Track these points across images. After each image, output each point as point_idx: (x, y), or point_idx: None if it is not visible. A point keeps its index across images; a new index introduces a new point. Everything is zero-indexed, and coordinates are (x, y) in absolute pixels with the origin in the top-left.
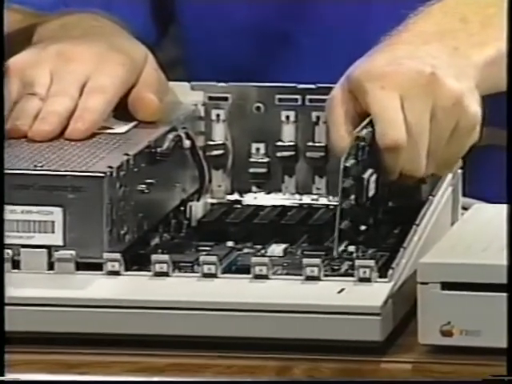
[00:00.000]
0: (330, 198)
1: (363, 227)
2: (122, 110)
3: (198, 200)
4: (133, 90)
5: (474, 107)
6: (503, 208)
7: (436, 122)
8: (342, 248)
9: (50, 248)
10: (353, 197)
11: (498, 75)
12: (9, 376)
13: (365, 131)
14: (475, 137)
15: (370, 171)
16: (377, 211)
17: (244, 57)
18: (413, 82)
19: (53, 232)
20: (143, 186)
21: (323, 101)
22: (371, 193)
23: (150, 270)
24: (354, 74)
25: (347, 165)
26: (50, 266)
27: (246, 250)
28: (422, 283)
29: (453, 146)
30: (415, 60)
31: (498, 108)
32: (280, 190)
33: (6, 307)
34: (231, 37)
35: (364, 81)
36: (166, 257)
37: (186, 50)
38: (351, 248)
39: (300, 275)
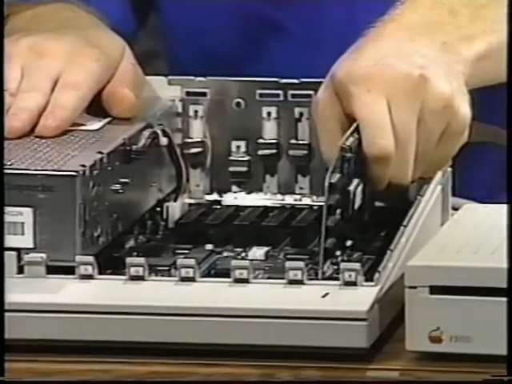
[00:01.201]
0: (314, 198)
1: (349, 243)
2: (95, 106)
3: (175, 200)
4: (108, 85)
5: (465, 109)
6: (495, 208)
7: (425, 125)
8: (326, 267)
9: (19, 251)
10: (338, 211)
11: (489, 69)
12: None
13: (351, 140)
14: (465, 138)
15: (355, 182)
16: (363, 221)
17: (229, 47)
18: (400, 85)
19: (22, 234)
20: (117, 185)
21: (306, 96)
22: (357, 204)
23: (124, 274)
24: (338, 76)
25: (333, 181)
26: (20, 270)
27: (225, 253)
28: (410, 287)
29: (442, 149)
30: (402, 60)
31: (490, 105)
32: (261, 190)
33: None
34: (214, 26)
35: (349, 83)
36: (141, 260)
37: (166, 42)
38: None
39: (282, 279)
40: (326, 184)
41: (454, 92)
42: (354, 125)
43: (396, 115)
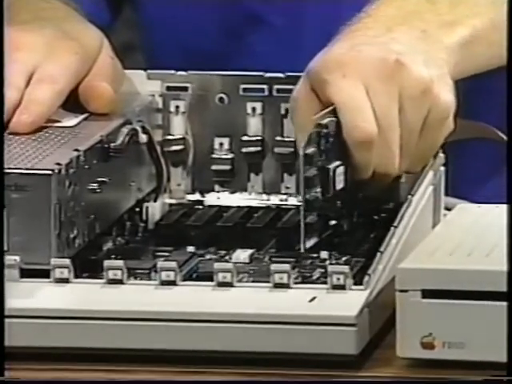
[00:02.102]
0: (301, 197)
1: (332, 222)
2: (72, 101)
3: (155, 200)
4: (85, 79)
5: (446, 95)
6: (489, 208)
7: (405, 113)
8: (310, 244)
9: None
10: (318, 189)
11: (477, 54)
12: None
13: (327, 119)
14: (449, 127)
15: (336, 163)
16: (347, 207)
17: (209, 41)
18: (376, 71)
19: None
20: (95, 184)
21: (292, 91)
22: (339, 186)
23: (102, 278)
24: (312, 68)
25: (307, 152)
26: None
27: (208, 256)
28: (401, 291)
29: (426, 139)
30: (377, 46)
31: (482, 101)
32: (246, 190)
33: None
34: (194, 20)
35: (323, 72)
36: (120, 263)
37: (143, 34)
38: (324, 254)
39: (267, 282)
40: (301, 154)
41: (433, 77)
42: (331, 107)
43: (375, 101)
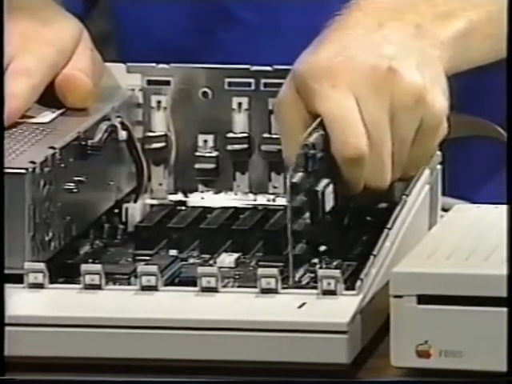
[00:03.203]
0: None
1: (323, 248)
2: (48, 96)
3: (135, 201)
4: (62, 72)
5: (440, 101)
6: (488, 209)
7: (398, 123)
8: (299, 275)
9: None
10: (307, 215)
11: (472, 48)
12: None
13: (314, 136)
14: (443, 133)
15: (324, 182)
16: (338, 222)
17: (180, 36)
18: (367, 80)
19: None
20: (71, 184)
21: (281, 85)
22: (329, 206)
23: (79, 283)
24: (299, 72)
25: (294, 181)
26: None
27: (191, 260)
28: (396, 296)
29: (418, 148)
30: (368, 50)
31: (480, 98)
32: (231, 190)
33: None
34: (164, 15)
35: (310, 80)
36: (97, 267)
37: (115, 25)
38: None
39: (254, 288)
40: (288, 184)
41: (426, 84)
42: (318, 120)
43: (366, 112)
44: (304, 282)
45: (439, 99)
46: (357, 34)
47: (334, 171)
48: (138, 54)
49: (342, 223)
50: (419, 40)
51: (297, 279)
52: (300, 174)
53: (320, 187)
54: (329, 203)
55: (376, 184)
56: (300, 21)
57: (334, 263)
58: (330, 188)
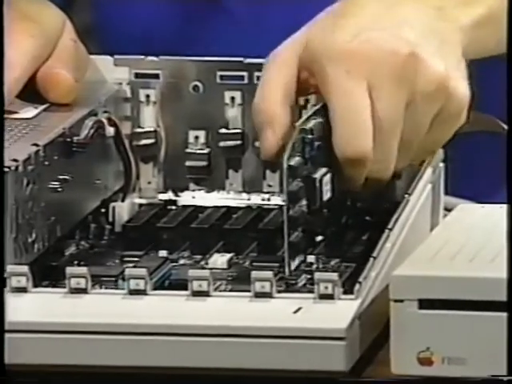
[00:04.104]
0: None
1: (320, 238)
2: (30, 90)
3: (122, 200)
4: (44, 65)
5: (462, 88)
6: (493, 209)
7: (415, 109)
8: (294, 265)
9: None
10: (303, 202)
11: (488, 37)
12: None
13: (312, 122)
14: (462, 120)
15: (322, 170)
16: (336, 216)
17: (169, 26)
18: (385, 67)
19: None
20: (56, 183)
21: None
22: (326, 196)
23: (64, 286)
24: (314, 51)
25: (292, 163)
26: None
27: (181, 261)
28: (396, 301)
29: (434, 135)
30: (388, 33)
31: (487, 93)
32: (224, 188)
33: None
34: (153, 3)
35: (326, 61)
36: (83, 270)
37: (100, 17)
38: (310, 258)
39: (248, 291)
40: (285, 166)
41: (449, 70)
42: (319, 105)
43: (378, 102)
44: (300, 285)
45: (461, 86)
46: (374, 12)
47: (333, 163)
48: (124, 45)
49: (341, 219)
50: (440, 23)
51: (292, 282)
52: (297, 159)
53: (318, 175)
54: (326, 193)
55: (377, 176)
56: (290, 14)
57: (332, 263)
58: (328, 177)
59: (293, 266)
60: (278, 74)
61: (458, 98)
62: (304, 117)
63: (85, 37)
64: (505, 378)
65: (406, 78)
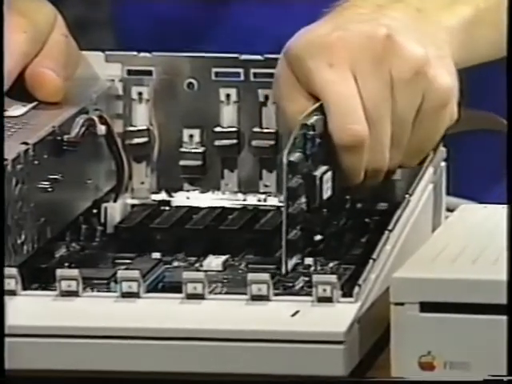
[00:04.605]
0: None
1: (318, 237)
2: (19, 86)
3: (115, 200)
4: (34, 61)
5: (444, 78)
6: (496, 209)
7: (395, 98)
8: (291, 264)
9: None
10: (303, 200)
11: (481, 38)
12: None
13: (314, 118)
14: (450, 116)
15: (323, 168)
16: (336, 217)
17: (187, 12)
18: (364, 51)
19: None
20: (46, 182)
21: (272, 75)
22: (326, 195)
23: (54, 289)
24: (293, 50)
25: (292, 159)
26: None
27: (175, 263)
28: (397, 304)
29: (421, 129)
30: (365, 23)
31: (487, 90)
32: (219, 188)
33: None
34: None
35: (306, 58)
36: (74, 272)
37: (110, 7)
38: (308, 260)
39: (244, 294)
40: (285, 161)
41: (428, 57)
42: (316, 105)
43: (364, 89)
44: (298, 288)
45: (443, 75)
46: (355, 12)
47: (334, 159)
48: (140, 31)
49: (340, 219)
50: (422, 22)
51: (290, 284)
52: (297, 154)
53: (318, 172)
54: (326, 191)
55: (374, 166)
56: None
57: (330, 265)
58: (329, 175)
59: (290, 266)
60: (286, 95)
61: (439, 89)
62: (306, 112)
63: (79, 31)
64: (505, 379)
65: (385, 61)
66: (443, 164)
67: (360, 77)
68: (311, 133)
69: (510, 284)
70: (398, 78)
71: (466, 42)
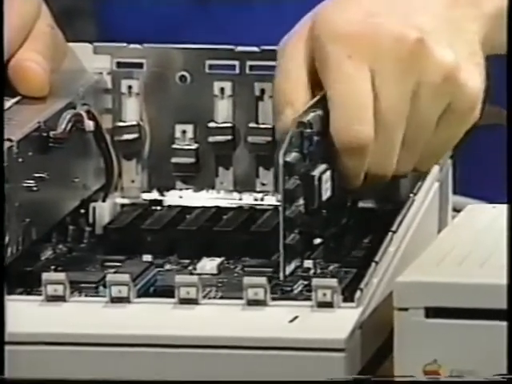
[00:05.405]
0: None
1: (318, 240)
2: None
3: (103, 200)
4: (17, 53)
5: (474, 81)
6: (505, 209)
7: (419, 103)
8: (290, 269)
9: None
10: (301, 201)
11: (502, 33)
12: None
13: (311, 115)
14: (474, 118)
15: (321, 167)
16: (336, 217)
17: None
18: (390, 52)
19: None
20: (31, 181)
21: (269, 68)
22: (326, 195)
23: (40, 294)
24: (317, 30)
25: (289, 159)
26: None
27: (168, 266)
28: (400, 309)
29: (442, 134)
30: (396, 18)
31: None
32: (213, 187)
33: None
34: None
35: (327, 42)
36: (61, 275)
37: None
38: (307, 263)
39: (240, 299)
40: (281, 162)
41: (460, 61)
42: (319, 95)
43: (381, 90)
44: (296, 292)
45: (473, 78)
46: None
47: (332, 157)
48: (127, 27)
49: (341, 221)
50: (458, 10)
51: (289, 288)
52: (294, 154)
53: (316, 172)
54: (326, 192)
55: (377, 172)
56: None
57: (331, 268)
58: (328, 175)
59: (288, 271)
60: (297, 54)
61: (470, 93)
62: (304, 107)
63: (66, 22)
64: (505, 378)
65: (412, 66)
66: (449, 161)
67: (379, 76)
68: (308, 131)
69: (510, 287)
70: (424, 82)
71: (495, 31)
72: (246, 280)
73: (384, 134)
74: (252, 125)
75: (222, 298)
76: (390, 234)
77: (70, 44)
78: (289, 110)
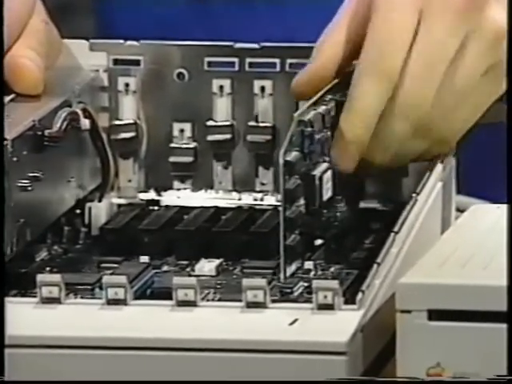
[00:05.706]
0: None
1: (319, 241)
2: None
3: (100, 200)
4: (11, 49)
5: None
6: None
7: (464, 59)
8: (290, 271)
9: None
10: (302, 201)
11: None
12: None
13: (312, 113)
14: (500, 92)
15: (322, 167)
16: (337, 219)
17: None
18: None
19: None
20: (26, 181)
21: (269, 65)
22: (327, 195)
23: (35, 296)
24: None
25: (289, 159)
26: None
27: (165, 268)
28: (403, 311)
29: (466, 107)
30: None
31: None
32: (212, 187)
33: None
34: None
35: None
36: (56, 277)
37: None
38: (308, 264)
39: (239, 301)
40: (281, 162)
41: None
42: (318, 95)
43: (425, 35)
44: (296, 294)
45: None
46: None
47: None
48: (125, 25)
49: (342, 221)
50: None
51: (289, 290)
52: (295, 154)
53: (317, 172)
54: (327, 192)
55: (375, 161)
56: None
57: (332, 269)
58: (329, 175)
59: (289, 273)
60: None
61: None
62: (303, 107)
63: (61, 18)
64: (505, 378)
65: (467, 15)
66: (453, 160)
67: (427, 20)
68: (309, 129)
69: (510, 289)
70: (475, 36)
71: None
72: (245, 282)
73: (414, 80)
74: (251, 123)
75: (220, 300)
76: (393, 234)
77: (66, 40)
78: (312, 65)
